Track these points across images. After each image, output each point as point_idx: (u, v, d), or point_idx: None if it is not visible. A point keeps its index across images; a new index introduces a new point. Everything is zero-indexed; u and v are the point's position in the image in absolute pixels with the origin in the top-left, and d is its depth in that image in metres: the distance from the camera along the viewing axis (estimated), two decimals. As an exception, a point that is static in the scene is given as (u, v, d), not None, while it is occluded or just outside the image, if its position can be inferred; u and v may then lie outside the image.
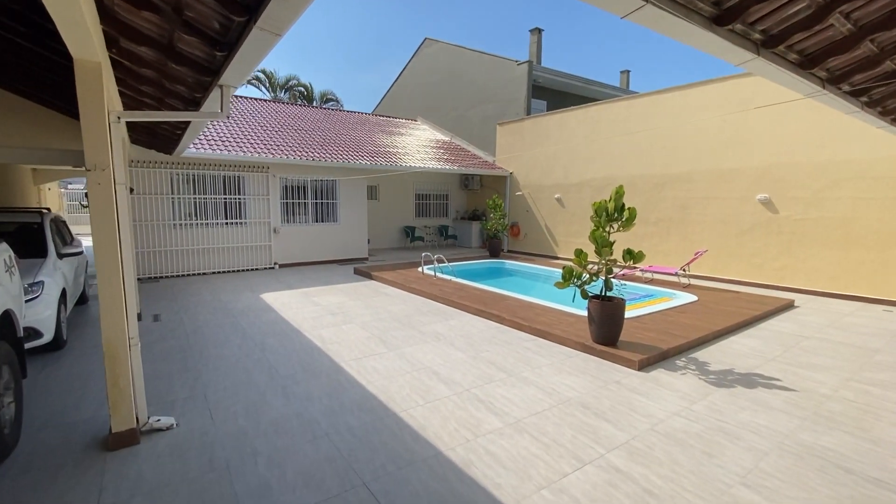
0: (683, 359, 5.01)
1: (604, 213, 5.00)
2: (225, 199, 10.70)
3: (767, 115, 9.03)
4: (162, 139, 7.66)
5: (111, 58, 3.62)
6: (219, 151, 9.98)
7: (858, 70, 3.34)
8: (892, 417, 3.64)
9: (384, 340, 5.54)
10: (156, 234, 9.85)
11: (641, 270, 10.00)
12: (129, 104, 5.08)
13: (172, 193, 10.07)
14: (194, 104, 4.40)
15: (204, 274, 10.40)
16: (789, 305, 7.51)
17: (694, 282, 9.45)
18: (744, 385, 4.27)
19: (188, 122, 5.47)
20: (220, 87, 3.52)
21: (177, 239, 10.10)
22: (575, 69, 17.75)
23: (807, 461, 3.02)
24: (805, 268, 8.68)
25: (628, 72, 26.20)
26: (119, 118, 3.21)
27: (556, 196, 13.60)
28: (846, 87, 3.75)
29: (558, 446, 3.18)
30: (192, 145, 9.78)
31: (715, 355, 5.13)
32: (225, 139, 10.83)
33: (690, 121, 10.24)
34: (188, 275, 10.23)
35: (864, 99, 4.07)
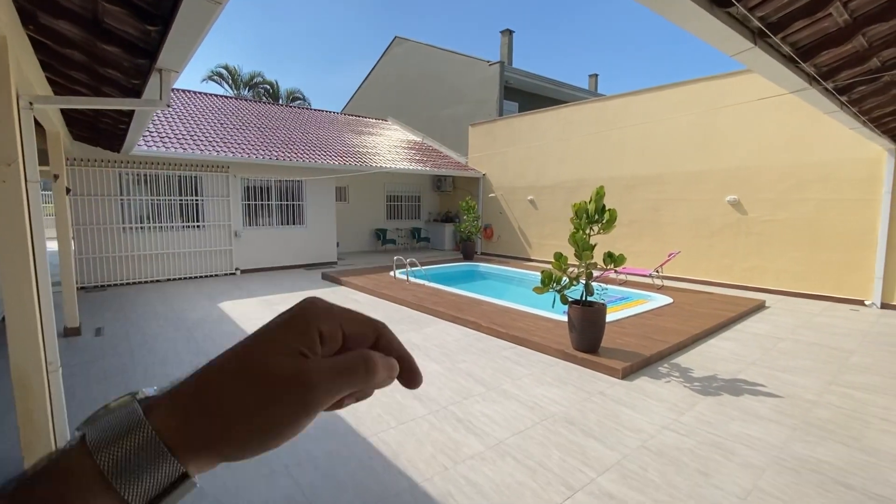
0: (666, 365, 4.84)
1: (584, 215, 4.79)
2: (181, 200, 10.00)
3: (736, 118, 9.14)
4: (106, 135, 7.00)
5: (31, 37, 3.11)
6: (173, 150, 9.29)
7: (846, 66, 3.23)
8: (880, 424, 3.55)
9: (353, 352, 5.14)
10: (103, 238, 9.07)
11: (616, 272, 9.94)
12: (61, 93, 4.51)
13: (122, 195, 9.31)
14: (134, 93, 3.89)
15: (157, 281, 9.66)
16: (761, 306, 7.56)
17: (667, 283, 9.46)
18: (730, 392, 4.12)
19: (131, 115, 4.91)
20: (160, 71, 3.07)
21: (127, 244, 9.34)
22: (544, 73, 17.75)
23: (805, 477, 2.84)
24: (773, 268, 8.81)
25: (596, 76, 26.59)
26: (31, 104, 2.72)
27: (529, 198, 13.48)
28: (830, 85, 3.65)
29: (545, 471, 2.89)
30: (143, 143, 9.07)
31: (696, 360, 5.00)
32: (181, 137, 10.13)
33: (661, 123, 10.29)
34: (140, 282, 9.47)
35: (845, 98, 4.01)
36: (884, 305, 7.52)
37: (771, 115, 8.65)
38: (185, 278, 10.00)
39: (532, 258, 13.47)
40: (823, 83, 3.54)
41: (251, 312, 6.99)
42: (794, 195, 8.50)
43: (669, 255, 9.36)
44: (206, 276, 10.26)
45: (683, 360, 5.02)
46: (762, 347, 5.45)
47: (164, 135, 9.93)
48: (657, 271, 9.36)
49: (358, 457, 3.03)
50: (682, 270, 10.07)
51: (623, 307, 7.09)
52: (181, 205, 10.03)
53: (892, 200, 7.38)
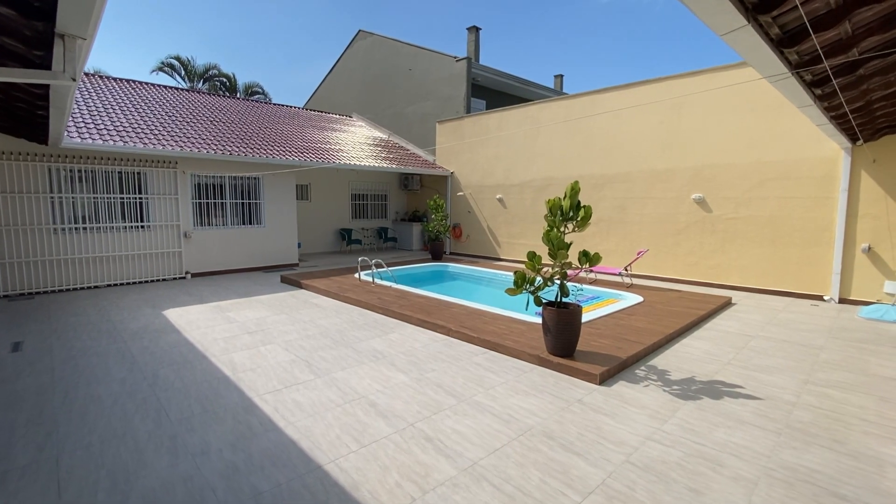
0: (643, 368, 4.66)
1: (558, 212, 4.54)
2: (122, 198, 9.15)
3: (699, 118, 9.22)
4: (27, 123, 6.22)
5: None
6: (112, 142, 8.46)
7: (829, 55, 3.10)
8: (860, 425, 3.46)
9: (311, 364, 4.69)
10: (30, 240, 8.14)
11: (586, 271, 9.86)
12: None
13: (52, 192, 8.40)
14: (43, 68, 3.32)
15: (96, 287, 8.79)
16: (728, 303, 7.60)
17: (635, 282, 9.45)
18: (710, 396, 3.96)
19: (48, 99, 4.27)
20: (62, 38, 2.56)
21: (59, 246, 8.44)
22: (509, 71, 17.62)
23: (798, 489, 2.66)
24: (737, 265, 8.94)
25: (562, 76, 26.85)
26: None
27: (497, 196, 13.28)
28: (808, 77, 3.54)
29: (525, 496, 2.58)
30: (76, 134, 8.21)
31: (672, 361, 4.85)
32: (121, 129, 9.27)
33: (628, 121, 10.29)
34: (74, 289, 8.58)
35: (819, 91, 3.93)
36: (841, 300, 7.72)
37: (733, 114, 8.76)
38: (127, 284, 9.16)
39: (502, 258, 13.28)
40: (802, 73, 3.41)
41: (201, 320, 6.38)
42: (756, 193, 8.63)
43: (639, 254, 9.34)
44: (152, 281, 9.45)
45: (659, 361, 4.86)
46: (734, 346, 5.38)
47: (101, 126, 9.05)
48: (626, 269, 9.33)
49: (311, 489, 2.62)
50: (650, 268, 10.10)
51: (595, 307, 6.93)
52: (123, 203, 9.18)
53: (848, 198, 7.58)
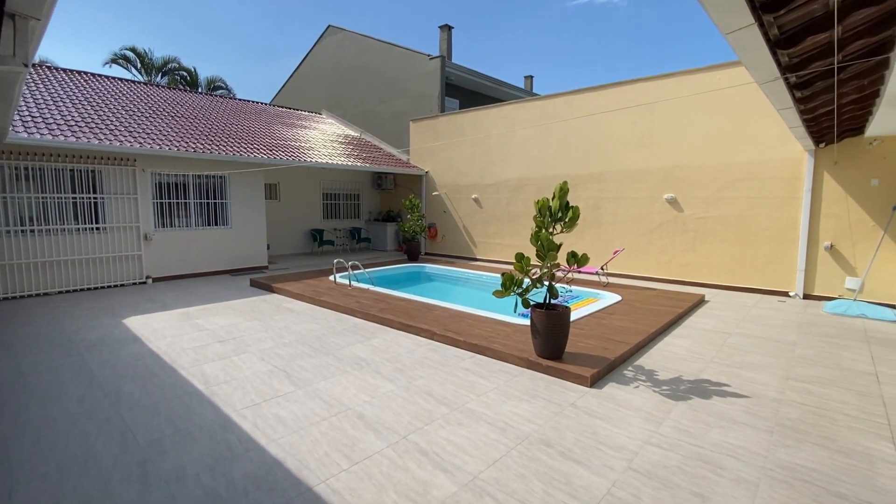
0: (630, 368, 4.66)
1: (547, 213, 4.46)
2: (74, 198, 8.49)
3: (671, 119, 9.43)
4: (-36, 116, 5.61)
5: None
6: (63, 138, 7.84)
7: (816, 58, 3.15)
8: (844, 420, 3.54)
9: (290, 374, 4.43)
10: (-32, 244, 7.42)
11: (563, 271, 9.91)
12: None
13: (-6, 191, 7.69)
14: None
15: (46, 294, 8.12)
16: (702, 300, 7.79)
17: (611, 280, 9.57)
18: (699, 395, 3.98)
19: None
20: (12, 17, 2.25)
21: (4, 251, 7.74)
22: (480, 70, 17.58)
23: (799, 490, 2.67)
24: (708, 263, 9.20)
25: (532, 77, 27.12)
26: None
27: (473, 196, 13.21)
28: (793, 79, 3.59)
29: (531, 512, 2.47)
30: (21, 129, 7.55)
31: (658, 361, 4.88)
32: (73, 124, 8.61)
33: (602, 122, 10.42)
34: (22, 296, 7.90)
35: (799, 94, 4.02)
36: (806, 296, 8.06)
37: (703, 117, 9.00)
38: (81, 290, 8.51)
39: (478, 257, 13.22)
40: (788, 76, 3.45)
41: (166, 329, 5.97)
42: (725, 193, 8.90)
43: (615, 253, 9.47)
44: (109, 287, 8.83)
45: (645, 361, 4.88)
46: (714, 344, 5.48)
47: (51, 121, 8.37)
48: (603, 269, 9.43)
49: (303, 516, 2.42)
50: (624, 267, 10.27)
51: (576, 306, 6.94)
52: (76, 204, 8.52)
53: (811, 198, 7.91)
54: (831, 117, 5.29)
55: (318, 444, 3.14)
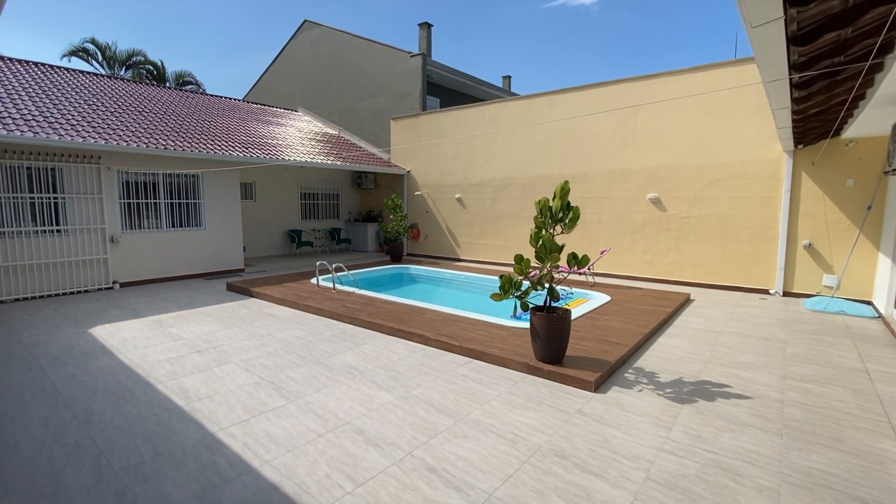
0: (631, 370, 4.59)
1: (548, 213, 4.34)
2: (32, 198, 7.88)
3: (654, 120, 9.51)
4: None
5: None
6: (18, 133, 7.24)
7: (826, 55, 3.12)
8: (847, 420, 3.55)
9: (279, 386, 4.16)
10: None
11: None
12: None
13: (-61, 190, 7.04)
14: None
15: (2, 303, 7.50)
16: (688, 299, 7.86)
17: (597, 280, 9.59)
18: (703, 398, 3.93)
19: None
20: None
21: (-51, 255, 7.09)
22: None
23: (820, 496, 2.61)
24: (690, 262, 9.32)
25: (510, 77, 27.19)
26: None
27: (456, 196, 13.05)
28: (795, 78, 3.57)
29: (555, 532, 2.31)
30: (-30, 122, 6.92)
31: (656, 362, 4.83)
32: (29, 118, 7.99)
33: (585, 122, 10.43)
34: (-28, 305, 7.26)
35: (797, 94, 4.02)
36: (785, 293, 8.25)
37: (686, 117, 9.11)
38: (40, 297, 7.91)
39: (462, 258, 13.07)
40: (792, 75, 3.43)
41: (138, 338, 5.55)
42: (707, 193, 9.04)
43: (602, 252, 9.45)
44: (73, 293, 8.24)
45: (644, 363, 4.82)
46: (707, 343, 5.49)
47: (5, 115, 7.73)
48: (590, 269, 9.43)
49: (308, 549, 2.19)
50: (609, 266, 10.31)
51: (568, 307, 6.86)
52: (34, 204, 7.90)
53: (790, 198, 8.10)
54: (819, 118, 5.37)
55: (317, 464, 2.90)
